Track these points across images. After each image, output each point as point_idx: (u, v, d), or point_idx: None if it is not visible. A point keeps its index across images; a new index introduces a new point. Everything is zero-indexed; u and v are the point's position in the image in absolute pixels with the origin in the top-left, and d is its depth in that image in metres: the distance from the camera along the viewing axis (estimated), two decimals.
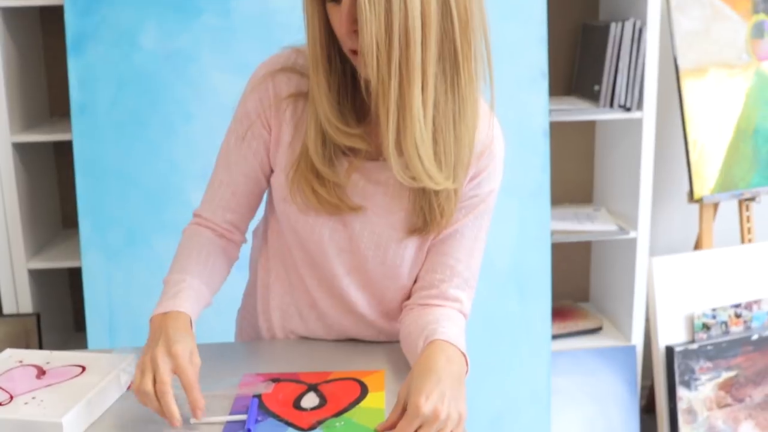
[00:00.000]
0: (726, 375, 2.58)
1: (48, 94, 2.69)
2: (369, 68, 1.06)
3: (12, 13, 2.39)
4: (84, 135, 2.24)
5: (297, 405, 1.12)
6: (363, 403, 1.12)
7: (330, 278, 1.30)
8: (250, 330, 1.45)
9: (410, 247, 1.26)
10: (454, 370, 1.11)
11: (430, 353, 1.12)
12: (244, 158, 1.29)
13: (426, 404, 1.03)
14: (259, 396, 1.14)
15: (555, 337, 2.61)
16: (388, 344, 1.35)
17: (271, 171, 1.30)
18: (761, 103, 2.67)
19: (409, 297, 1.32)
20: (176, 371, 1.07)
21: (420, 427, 1.02)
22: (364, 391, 1.15)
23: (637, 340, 2.63)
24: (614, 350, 2.62)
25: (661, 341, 2.55)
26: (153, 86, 2.23)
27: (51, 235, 2.66)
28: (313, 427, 1.06)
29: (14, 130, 2.39)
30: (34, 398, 1.12)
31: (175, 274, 1.27)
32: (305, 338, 1.37)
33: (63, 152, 2.65)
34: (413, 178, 1.14)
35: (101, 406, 1.14)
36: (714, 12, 2.60)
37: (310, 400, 1.13)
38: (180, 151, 2.24)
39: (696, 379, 2.54)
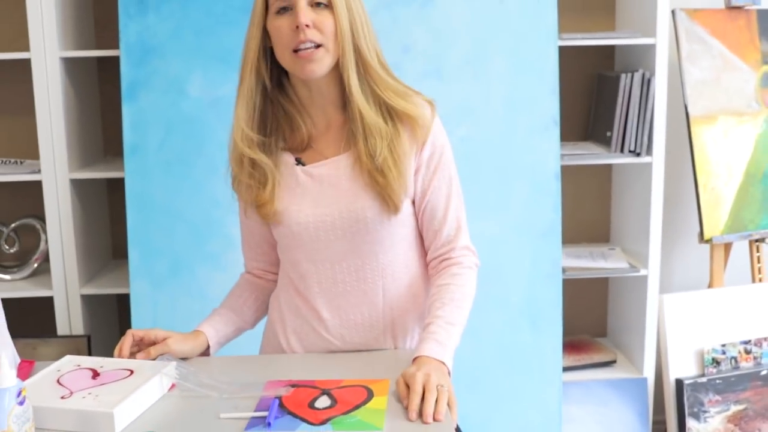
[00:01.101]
0: (735, 408, 2.69)
1: (102, 135, 2.94)
2: (332, 52, 1.46)
3: (72, 62, 2.65)
4: (135, 173, 2.47)
5: (311, 405, 1.31)
6: (368, 405, 1.30)
7: (328, 277, 1.56)
8: (273, 351, 1.68)
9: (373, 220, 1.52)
10: (438, 369, 1.38)
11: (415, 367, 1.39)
12: (249, 221, 1.64)
13: (418, 373, 1.33)
14: (279, 398, 1.33)
15: (570, 368, 2.75)
16: (394, 356, 1.54)
17: None
18: None
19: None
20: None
21: (423, 391, 1.29)
22: (370, 395, 1.33)
23: (649, 372, 2.76)
24: (626, 382, 2.75)
25: (672, 374, 2.67)
26: (198, 130, 2.46)
27: (102, 264, 2.89)
28: (324, 423, 1.24)
29: (72, 167, 2.63)
30: (90, 394, 1.32)
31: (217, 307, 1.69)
32: (323, 352, 1.58)
33: (114, 189, 2.89)
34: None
35: (146, 403, 1.33)
36: (724, 63, 2.76)
37: (322, 402, 1.32)
38: (221, 189, 2.42)
39: (705, 412, 2.66)
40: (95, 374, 1.40)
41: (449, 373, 1.43)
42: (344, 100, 1.53)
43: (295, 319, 1.61)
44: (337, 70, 1.50)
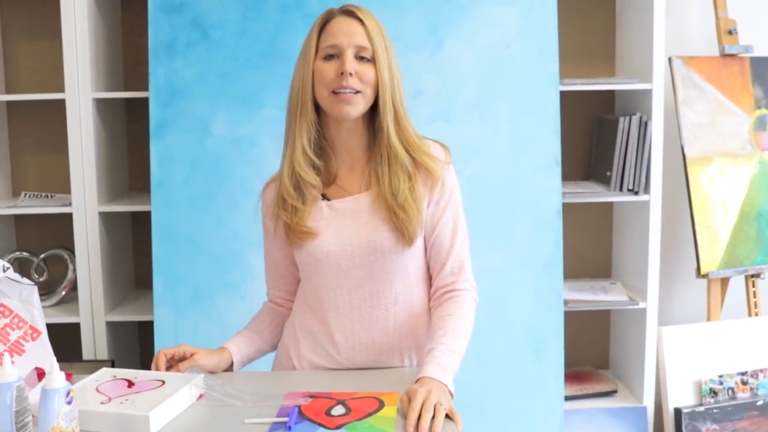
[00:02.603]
0: None
1: (128, 171, 3.11)
2: (367, 99, 1.66)
3: (103, 102, 2.83)
4: (161, 206, 2.62)
5: (328, 413, 1.44)
6: (380, 413, 1.43)
7: (345, 302, 1.70)
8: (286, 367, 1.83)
9: (389, 255, 1.67)
10: (439, 389, 1.49)
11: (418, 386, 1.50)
12: (273, 247, 1.80)
13: (420, 389, 1.44)
14: (298, 406, 1.46)
15: (572, 397, 2.86)
16: (403, 373, 1.67)
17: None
18: (764, 188, 2.94)
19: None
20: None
21: (423, 405, 1.40)
22: (381, 405, 1.47)
23: (649, 401, 2.86)
24: (627, 410, 2.86)
25: (671, 403, 2.78)
26: (221, 167, 2.62)
27: (126, 293, 3.03)
28: (339, 428, 1.38)
29: (100, 201, 2.79)
30: (126, 400, 1.45)
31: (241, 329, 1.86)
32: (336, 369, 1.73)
33: (138, 222, 3.05)
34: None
35: (177, 410, 1.47)
36: (719, 107, 2.91)
37: (338, 410, 1.45)
38: (242, 222, 2.60)
39: None
40: (130, 384, 1.54)
41: (451, 395, 1.54)
42: (368, 143, 1.71)
43: (308, 342, 1.75)
44: (366, 115, 1.69)
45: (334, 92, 1.64)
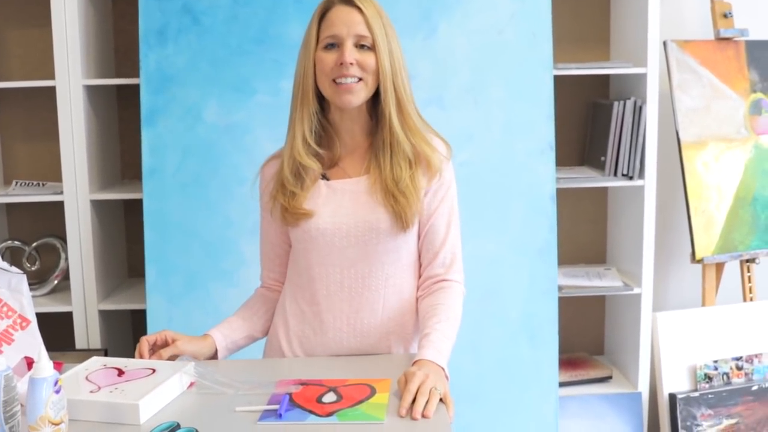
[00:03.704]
0: (727, 422, 2.79)
1: (120, 159, 3.09)
2: (369, 87, 1.66)
3: (94, 90, 2.80)
4: (153, 194, 2.61)
5: (319, 400, 1.43)
6: (371, 400, 1.42)
7: (336, 281, 1.70)
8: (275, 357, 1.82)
9: (384, 241, 1.67)
10: (437, 372, 1.50)
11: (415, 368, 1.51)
12: (270, 225, 1.79)
13: (419, 372, 1.45)
14: (289, 394, 1.45)
15: (567, 383, 2.86)
16: (396, 359, 1.66)
17: None
18: (759, 173, 2.93)
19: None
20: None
21: (418, 388, 1.41)
22: (373, 392, 1.46)
23: (644, 387, 2.86)
24: (621, 396, 2.86)
25: (666, 389, 2.78)
26: (213, 154, 2.60)
27: (118, 281, 3.02)
28: (330, 415, 1.37)
29: (92, 189, 2.77)
30: (116, 389, 1.44)
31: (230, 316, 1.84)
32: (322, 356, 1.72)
33: (131, 210, 3.03)
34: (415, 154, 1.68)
35: (167, 398, 1.45)
36: (714, 91, 2.89)
37: (329, 397, 1.44)
38: (235, 210, 2.59)
39: (698, 425, 2.76)
40: (120, 372, 1.53)
41: (447, 378, 1.55)
42: (370, 128, 1.72)
43: (298, 324, 1.75)
44: (369, 101, 1.69)
45: (335, 81, 1.64)
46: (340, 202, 1.69)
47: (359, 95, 1.65)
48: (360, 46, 1.65)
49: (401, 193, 1.65)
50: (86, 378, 1.51)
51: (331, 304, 1.71)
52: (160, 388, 1.43)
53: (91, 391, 1.44)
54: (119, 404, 1.38)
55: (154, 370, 1.53)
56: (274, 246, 1.82)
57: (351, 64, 1.63)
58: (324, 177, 1.72)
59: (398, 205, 1.65)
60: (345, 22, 1.65)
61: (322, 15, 1.68)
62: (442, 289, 1.72)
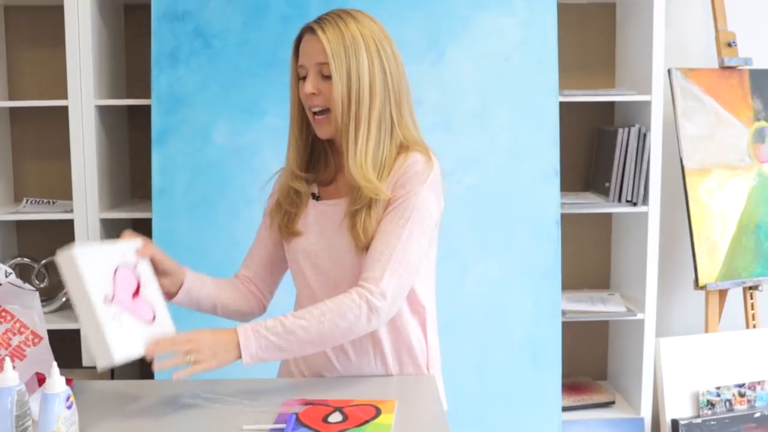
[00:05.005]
0: None
1: (130, 179, 3.12)
2: (334, 118, 1.61)
3: (105, 110, 2.84)
4: (162, 214, 2.64)
5: (325, 420, 1.44)
6: (376, 421, 1.44)
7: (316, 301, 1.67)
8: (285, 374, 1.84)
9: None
10: (220, 340, 1.55)
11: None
12: (265, 231, 1.82)
13: (198, 334, 1.53)
14: (296, 414, 1.47)
15: (570, 408, 2.87)
16: (400, 380, 1.68)
17: None
18: (763, 201, 2.95)
19: None
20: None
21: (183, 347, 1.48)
22: (378, 412, 1.47)
23: (646, 413, 2.87)
24: (624, 422, 2.86)
25: (668, 415, 2.79)
26: (222, 175, 2.63)
27: None
28: None
29: (102, 207, 2.80)
30: (119, 318, 1.47)
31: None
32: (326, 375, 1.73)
33: (140, 229, 3.03)
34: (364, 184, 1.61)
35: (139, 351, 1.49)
36: (718, 119, 2.92)
37: (335, 417, 1.45)
38: (242, 231, 2.59)
39: None
40: (137, 291, 1.54)
41: (240, 358, 1.52)
42: None
43: None
44: None
45: (312, 111, 1.65)
46: (325, 223, 1.71)
47: (329, 127, 1.64)
48: (324, 76, 1.61)
49: (361, 227, 1.62)
50: (115, 270, 1.51)
51: None
52: (143, 335, 1.51)
53: (105, 296, 1.46)
54: (102, 340, 1.42)
55: (154, 318, 1.56)
56: (261, 248, 1.84)
57: (313, 94, 1.62)
58: (315, 197, 1.74)
59: (357, 237, 1.63)
60: (308, 51, 1.63)
61: (297, 44, 1.69)
62: (350, 291, 1.58)
